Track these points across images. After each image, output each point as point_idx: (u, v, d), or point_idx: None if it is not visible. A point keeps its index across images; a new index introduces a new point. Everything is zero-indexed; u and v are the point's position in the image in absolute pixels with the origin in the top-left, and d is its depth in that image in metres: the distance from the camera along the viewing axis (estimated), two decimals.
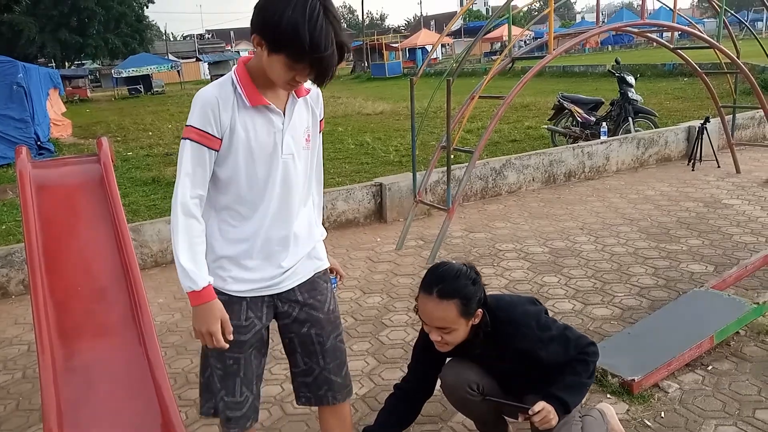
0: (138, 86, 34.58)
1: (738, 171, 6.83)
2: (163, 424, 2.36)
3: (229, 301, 1.87)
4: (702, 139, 7.19)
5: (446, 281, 2.03)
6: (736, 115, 7.39)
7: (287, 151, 1.81)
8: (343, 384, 2.06)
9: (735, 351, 3.11)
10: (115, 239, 3.06)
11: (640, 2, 5.97)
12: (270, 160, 1.79)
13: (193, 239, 1.78)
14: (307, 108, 1.89)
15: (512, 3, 5.23)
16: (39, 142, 12.34)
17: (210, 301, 1.78)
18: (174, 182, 1.80)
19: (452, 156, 5.00)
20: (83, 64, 47.79)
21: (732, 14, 6.55)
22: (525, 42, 41.09)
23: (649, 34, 6.28)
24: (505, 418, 2.49)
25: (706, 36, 5.84)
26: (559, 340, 2.13)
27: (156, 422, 2.38)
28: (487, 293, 2.16)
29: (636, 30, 6.01)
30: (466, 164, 6.13)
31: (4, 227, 6.65)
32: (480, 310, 2.09)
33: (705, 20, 44.06)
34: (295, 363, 2.04)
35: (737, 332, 3.22)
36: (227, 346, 1.82)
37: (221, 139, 1.74)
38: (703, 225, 5.17)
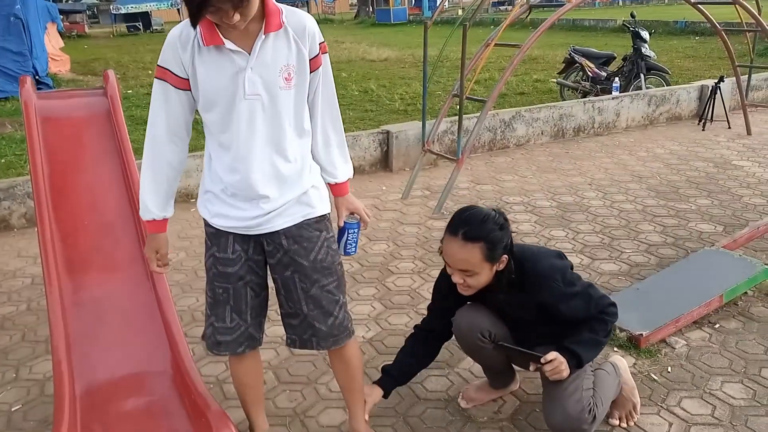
0: (137, 23, 33.73)
1: (749, 132, 6.74)
2: (172, 359, 2.36)
3: (217, 233, 1.92)
4: (714, 98, 7.07)
5: (473, 224, 1.99)
6: (752, 75, 7.25)
7: (252, 91, 1.72)
8: (329, 333, 1.99)
9: (743, 311, 3.11)
10: (122, 174, 3.01)
11: None
12: (232, 100, 1.73)
13: (156, 173, 1.88)
14: (289, 44, 1.75)
15: None
16: (37, 77, 12.07)
17: (152, 233, 1.96)
18: None
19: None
20: None
21: None
22: None
23: None
24: (514, 367, 2.50)
25: None
26: (581, 297, 2.10)
27: (165, 357, 2.38)
28: (515, 242, 2.13)
29: None
30: (476, 114, 6.03)
31: (3, 161, 6.55)
32: (505, 256, 2.05)
33: None
34: (281, 304, 2.03)
35: (745, 292, 3.22)
36: (161, 271, 2.04)
37: (188, 79, 1.75)
38: (713, 185, 5.13)
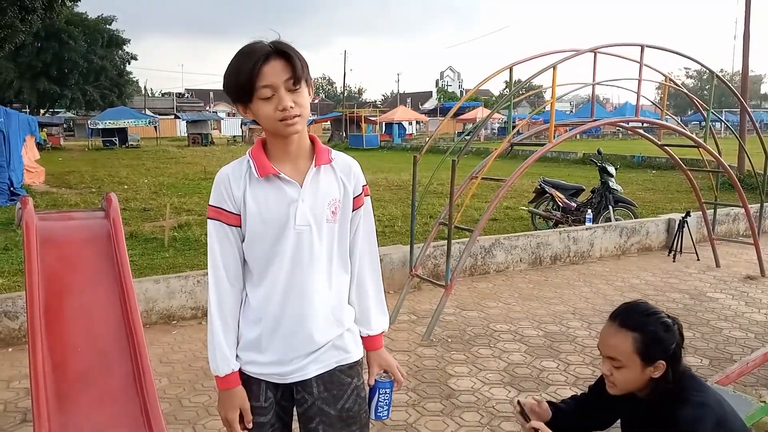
0: (113, 138, 34.38)
1: (718, 265, 7.00)
2: None
3: (248, 380, 1.82)
4: (682, 232, 7.40)
5: (634, 313, 1.94)
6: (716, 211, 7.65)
7: (302, 222, 1.72)
8: None
9: None
10: (119, 299, 2.94)
11: (607, 96, 6.23)
12: (281, 231, 1.72)
13: (228, 320, 1.78)
14: (337, 180, 1.80)
15: (513, 91, 5.42)
16: (12, 188, 12.07)
17: (231, 388, 1.78)
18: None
19: (442, 232, 5.01)
20: (58, 112, 47.50)
21: (716, 116, 6.91)
22: (497, 125, 42.63)
23: (638, 130, 6.55)
24: None
25: (693, 135, 6.11)
26: None
27: None
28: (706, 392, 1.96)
29: (628, 125, 6.27)
30: (457, 240, 6.17)
31: None
32: (663, 362, 1.90)
33: (667, 117, 46.42)
34: None
35: None
36: None
37: (239, 215, 1.74)
38: (692, 317, 5.24)
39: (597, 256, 7.49)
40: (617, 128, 39.45)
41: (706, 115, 6.26)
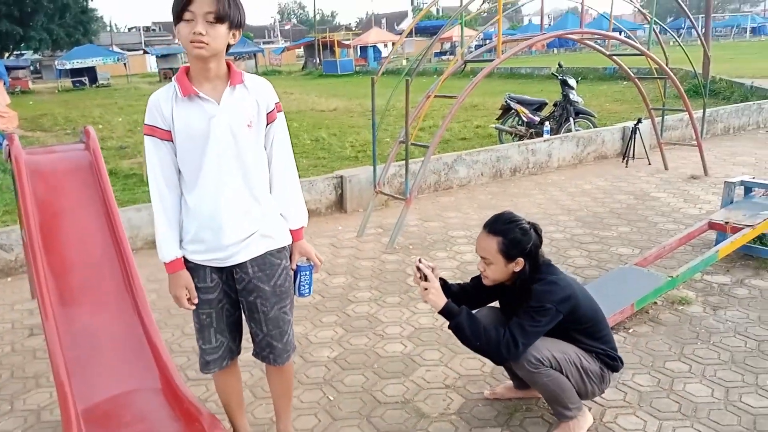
0: (83, 78, 33.74)
1: (666, 168, 7.50)
2: (162, 377, 2.68)
3: (195, 267, 2.26)
4: (635, 138, 7.84)
5: (498, 222, 2.48)
6: (665, 117, 8.08)
7: (221, 132, 2.07)
8: (284, 349, 2.35)
9: (652, 317, 3.64)
10: (105, 219, 3.34)
11: (587, 8, 6.49)
12: (204, 142, 2.08)
13: (169, 217, 2.20)
14: (251, 98, 2.14)
15: (464, 7, 5.67)
16: None
17: (176, 271, 2.22)
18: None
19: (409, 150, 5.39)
20: (22, 55, 46.11)
21: (661, 25, 7.19)
22: (474, 44, 42.11)
23: (587, 42, 6.85)
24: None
25: (637, 44, 6.44)
26: (524, 321, 2.40)
27: (156, 376, 2.70)
28: (564, 274, 2.53)
29: (575, 37, 6.57)
30: (422, 159, 6.57)
31: None
32: (521, 259, 2.43)
33: (645, 26, 46.02)
34: (248, 324, 2.39)
35: (655, 302, 3.75)
36: (192, 308, 2.26)
37: (170, 131, 2.10)
38: (633, 215, 5.76)
39: (555, 166, 7.95)
40: (595, 41, 39.14)
41: (651, 24, 6.57)
